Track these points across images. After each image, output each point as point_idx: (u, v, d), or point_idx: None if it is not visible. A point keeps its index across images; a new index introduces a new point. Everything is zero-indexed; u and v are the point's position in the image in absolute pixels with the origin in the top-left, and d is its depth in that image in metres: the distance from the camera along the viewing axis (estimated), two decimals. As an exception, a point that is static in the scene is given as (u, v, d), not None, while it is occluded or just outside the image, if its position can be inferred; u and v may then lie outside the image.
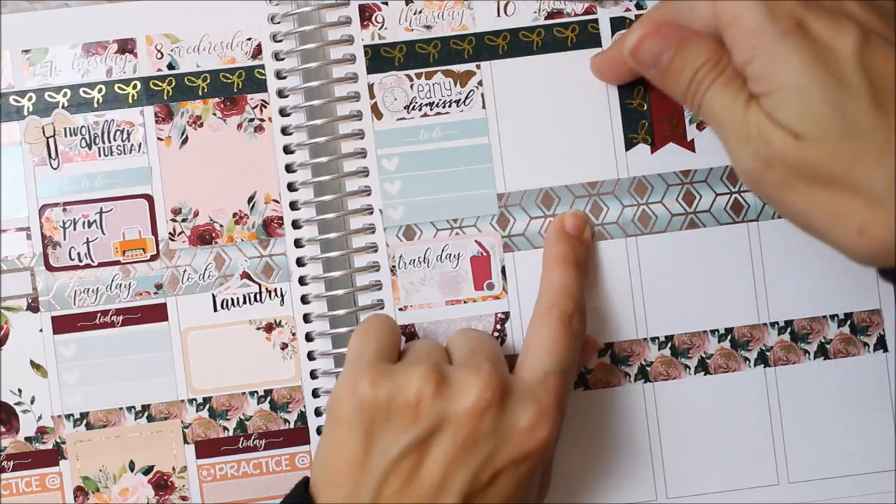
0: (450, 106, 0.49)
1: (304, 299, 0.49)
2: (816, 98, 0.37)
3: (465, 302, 0.49)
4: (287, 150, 0.49)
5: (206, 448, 0.49)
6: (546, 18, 0.49)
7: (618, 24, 0.49)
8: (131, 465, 0.49)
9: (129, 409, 0.49)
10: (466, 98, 0.49)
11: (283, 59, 0.49)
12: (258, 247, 0.49)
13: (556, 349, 0.44)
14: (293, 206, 0.49)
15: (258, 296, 0.49)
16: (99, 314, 0.49)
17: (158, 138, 0.49)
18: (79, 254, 0.48)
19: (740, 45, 0.39)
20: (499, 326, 0.49)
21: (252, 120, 0.49)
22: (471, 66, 0.49)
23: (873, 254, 0.38)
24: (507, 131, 0.49)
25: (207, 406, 0.49)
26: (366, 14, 0.49)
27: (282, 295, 0.49)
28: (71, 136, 0.49)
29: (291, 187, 0.49)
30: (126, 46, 0.49)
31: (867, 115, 0.37)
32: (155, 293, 0.49)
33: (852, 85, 0.37)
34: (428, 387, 0.41)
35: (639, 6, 0.49)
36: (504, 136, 0.49)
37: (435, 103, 0.49)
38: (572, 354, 0.45)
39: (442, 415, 0.41)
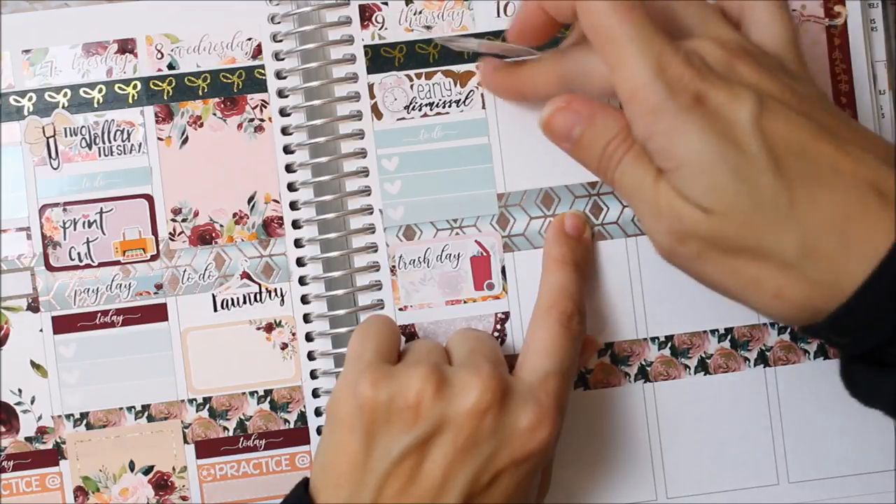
0: (450, 106, 0.49)
1: (304, 299, 0.49)
2: (718, 172, 0.36)
3: (465, 302, 0.49)
4: (287, 150, 0.49)
5: (206, 448, 0.49)
6: (546, 18, 0.49)
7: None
8: (131, 465, 0.49)
9: (129, 409, 0.49)
10: (466, 98, 0.49)
11: (283, 59, 0.49)
12: (258, 247, 0.49)
13: (555, 350, 0.44)
14: (293, 206, 0.49)
15: (258, 296, 0.49)
16: (99, 314, 0.49)
17: (158, 138, 0.49)
18: (79, 254, 0.48)
19: (639, 121, 0.38)
20: (499, 326, 0.49)
21: (252, 120, 0.49)
22: (471, 66, 0.49)
23: (792, 316, 0.38)
24: (507, 131, 0.49)
25: (207, 406, 0.49)
26: (366, 14, 0.49)
27: (282, 295, 0.49)
28: (71, 136, 0.49)
29: (291, 187, 0.49)
30: (126, 46, 0.49)
31: (769, 183, 0.36)
32: (155, 293, 0.49)
33: (752, 154, 0.36)
34: (428, 388, 0.41)
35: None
36: (504, 136, 0.49)
37: (435, 103, 0.49)
38: (572, 355, 0.45)
39: (442, 416, 0.41)
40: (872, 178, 0.36)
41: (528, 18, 0.43)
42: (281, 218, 0.49)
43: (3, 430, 0.49)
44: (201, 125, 0.49)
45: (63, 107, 0.49)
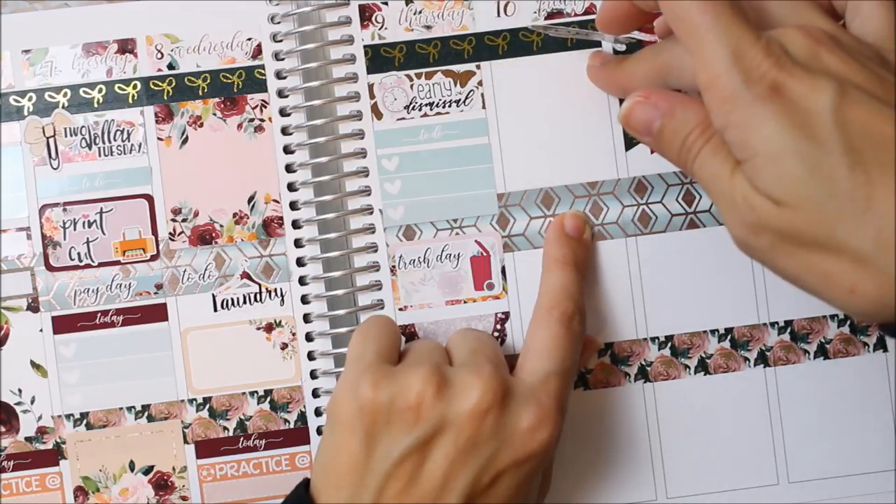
0: (450, 106, 0.49)
1: (304, 299, 0.49)
2: (792, 163, 0.36)
3: (465, 302, 0.49)
4: (287, 150, 0.49)
5: (206, 448, 0.49)
6: (546, 18, 0.49)
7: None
8: (131, 465, 0.49)
9: (129, 409, 0.49)
10: (466, 98, 0.49)
11: (283, 59, 0.49)
12: (258, 247, 0.49)
13: (556, 350, 0.44)
14: (293, 206, 0.49)
15: (258, 296, 0.49)
16: (99, 314, 0.49)
17: (158, 138, 0.49)
18: (79, 254, 0.48)
19: (716, 110, 0.38)
20: (499, 326, 0.49)
21: (252, 120, 0.49)
22: (471, 66, 0.49)
23: (868, 312, 0.37)
24: (507, 131, 0.49)
25: (207, 406, 0.49)
26: (366, 14, 0.49)
27: (282, 295, 0.49)
28: (71, 136, 0.49)
29: (291, 187, 0.49)
30: (126, 46, 0.49)
31: (845, 176, 0.35)
32: (155, 293, 0.49)
33: (828, 146, 0.36)
34: (429, 389, 0.41)
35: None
36: (504, 136, 0.49)
37: (435, 103, 0.49)
38: (572, 356, 0.45)
39: (443, 417, 0.41)
40: None
41: (614, 8, 0.44)
42: (281, 218, 0.49)
43: (3, 430, 0.49)
44: (201, 125, 0.49)
45: (63, 107, 0.49)
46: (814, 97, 0.36)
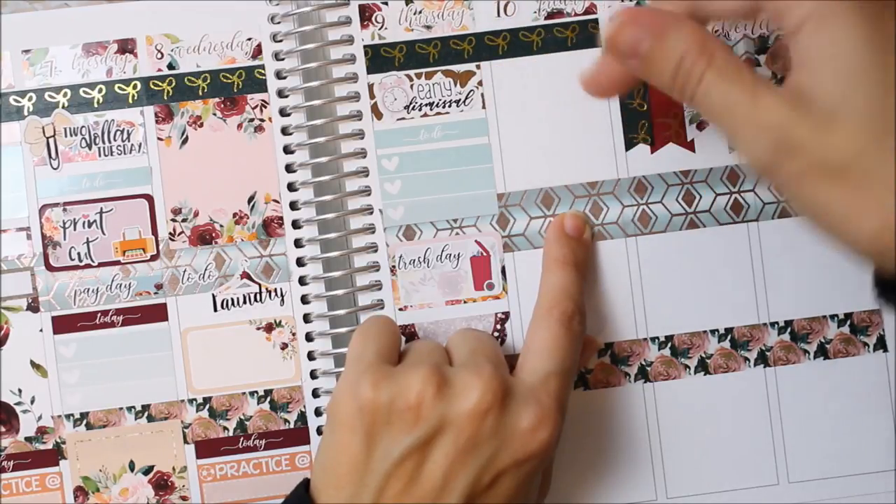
0: (450, 106, 0.49)
1: (304, 299, 0.49)
2: (861, 77, 0.34)
3: (465, 302, 0.49)
4: (287, 150, 0.49)
5: (206, 448, 0.49)
6: (546, 18, 0.49)
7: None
8: (131, 465, 0.49)
9: (129, 409, 0.49)
10: (466, 98, 0.49)
11: (283, 59, 0.49)
12: (258, 247, 0.49)
13: (556, 350, 0.44)
14: (293, 206, 0.49)
15: (258, 296, 0.49)
16: (99, 314, 0.49)
17: (158, 138, 0.49)
18: (79, 254, 0.48)
19: (794, 9, 0.35)
20: (499, 326, 0.49)
21: (252, 120, 0.49)
22: (471, 66, 0.49)
23: (888, 256, 0.34)
24: (507, 131, 0.49)
25: (207, 406, 0.49)
26: (366, 14, 0.49)
27: (282, 295, 0.49)
28: (71, 136, 0.49)
29: (291, 187, 0.49)
30: (126, 46, 0.49)
31: None
32: (155, 293, 0.49)
33: None
34: (429, 389, 0.41)
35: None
36: (504, 136, 0.49)
37: (435, 103, 0.49)
38: (573, 356, 0.45)
39: (443, 417, 0.41)
40: None
41: (604, 73, 0.41)
42: (281, 218, 0.49)
43: (3, 430, 0.49)
44: (201, 125, 0.49)
45: (63, 107, 0.49)
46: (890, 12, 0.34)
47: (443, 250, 0.49)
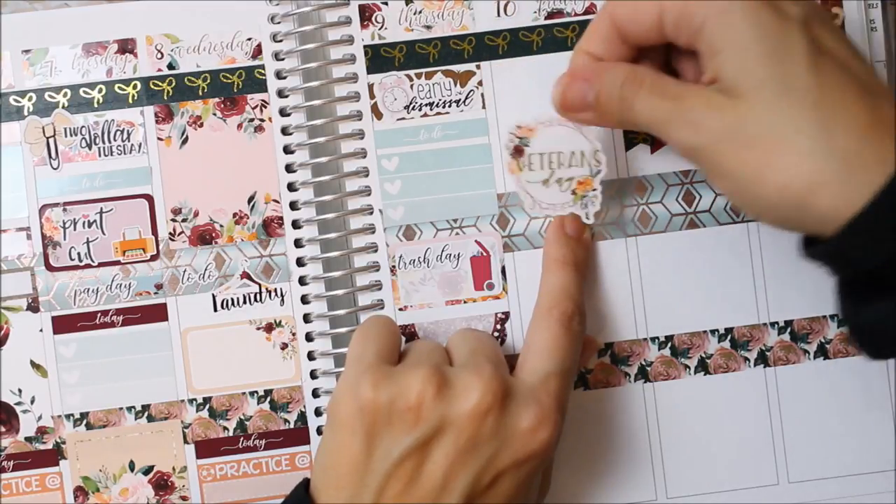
0: (450, 106, 0.49)
1: (304, 299, 0.49)
2: (759, 54, 0.38)
3: (465, 302, 0.49)
4: (287, 150, 0.49)
5: (206, 448, 0.49)
6: (546, 18, 0.49)
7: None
8: (131, 465, 0.49)
9: (129, 409, 0.49)
10: (466, 98, 0.49)
11: (283, 59, 0.49)
12: (258, 247, 0.49)
13: (556, 351, 0.44)
14: (293, 206, 0.49)
15: (258, 296, 0.49)
16: (99, 314, 0.49)
17: (158, 138, 0.49)
18: (79, 254, 0.48)
19: (695, 9, 0.40)
20: (499, 326, 0.49)
21: (252, 120, 0.49)
22: (471, 66, 0.49)
23: (791, 213, 0.39)
24: (507, 131, 0.49)
25: (207, 406, 0.49)
26: (366, 14, 0.49)
27: (282, 295, 0.49)
28: (71, 136, 0.49)
29: (291, 187, 0.49)
30: (126, 46, 0.49)
31: (802, 73, 0.38)
32: (155, 293, 0.49)
33: (794, 44, 0.38)
34: (429, 389, 0.41)
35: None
36: (504, 136, 0.49)
37: (435, 103, 0.49)
38: (573, 356, 0.45)
39: (443, 417, 0.41)
40: None
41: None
42: (281, 218, 0.49)
43: (3, 430, 0.49)
44: (201, 125, 0.49)
45: (63, 107, 0.49)
46: (788, 7, 0.39)
47: (443, 250, 0.49)
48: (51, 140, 0.49)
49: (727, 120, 0.39)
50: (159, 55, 0.49)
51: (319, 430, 0.49)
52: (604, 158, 0.46)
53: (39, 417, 0.49)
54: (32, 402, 0.49)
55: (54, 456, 0.49)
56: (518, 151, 0.46)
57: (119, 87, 0.49)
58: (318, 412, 0.49)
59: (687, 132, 0.40)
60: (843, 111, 0.38)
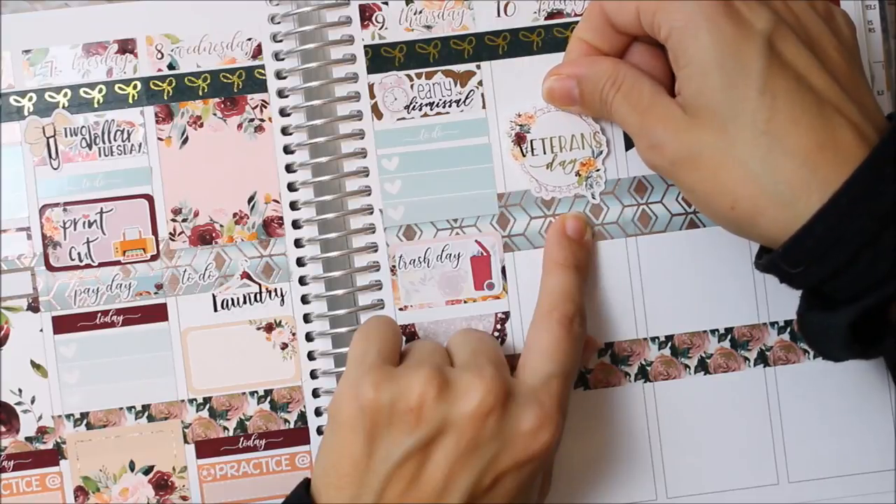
0: (450, 106, 0.49)
1: (305, 299, 0.49)
2: (716, 77, 0.40)
3: (465, 302, 0.49)
4: (287, 150, 0.49)
5: (206, 448, 0.49)
6: (546, 18, 0.49)
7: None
8: (131, 465, 0.49)
9: (129, 409, 0.49)
10: (466, 98, 0.49)
11: (283, 59, 0.49)
12: (258, 247, 0.49)
13: (557, 352, 0.44)
14: (293, 206, 0.49)
15: (258, 296, 0.49)
16: (99, 314, 0.49)
17: (159, 138, 0.49)
18: (79, 254, 0.48)
19: (663, 18, 0.41)
20: (499, 326, 0.49)
21: (252, 120, 0.49)
22: (471, 66, 0.49)
23: (743, 230, 0.41)
24: (507, 131, 0.49)
25: (207, 406, 0.49)
26: (366, 14, 0.49)
27: (282, 295, 0.49)
28: (71, 136, 0.49)
29: (291, 187, 0.49)
30: (126, 46, 0.49)
31: (755, 97, 0.39)
32: (155, 293, 0.49)
33: (749, 68, 0.39)
34: (430, 390, 0.41)
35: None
36: (504, 136, 0.49)
37: (435, 103, 0.49)
38: (573, 357, 0.45)
39: (444, 419, 0.41)
40: (856, 122, 0.39)
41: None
42: (281, 218, 0.49)
43: (4, 430, 0.49)
44: (201, 125, 0.49)
45: (63, 107, 0.49)
46: (752, 20, 0.40)
47: (443, 250, 0.49)
48: (51, 140, 0.49)
49: (683, 141, 0.41)
50: (159, 55, 0.49)
51: (320, 431, 0.49)
52: (604, 139, 0.48)
53: (40, 417, 0.49)
54: (33, 402, 0.49)
55: (54, 456, 0.49)
56: (520, 138, 0.47)
57: (119, 87, 0.49)
58: (318, 412, 0.49)
59: (650, 154, 0.43)
60: (790, 136, 0.39)
